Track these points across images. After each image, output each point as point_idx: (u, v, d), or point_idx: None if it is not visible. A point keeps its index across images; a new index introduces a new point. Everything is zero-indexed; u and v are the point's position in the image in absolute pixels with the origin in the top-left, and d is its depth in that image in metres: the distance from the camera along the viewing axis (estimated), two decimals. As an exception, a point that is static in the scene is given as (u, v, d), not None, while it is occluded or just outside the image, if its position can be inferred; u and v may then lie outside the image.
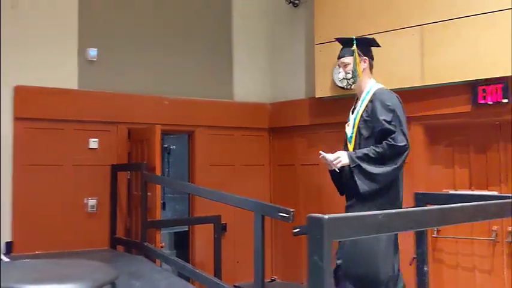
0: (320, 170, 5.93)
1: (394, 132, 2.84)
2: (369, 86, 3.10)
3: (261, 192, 6.33)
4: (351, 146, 3.10)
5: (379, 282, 2.86)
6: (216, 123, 6.27)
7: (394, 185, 2.97)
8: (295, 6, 6.34)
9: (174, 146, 7.80)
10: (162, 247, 5.10)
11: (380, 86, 3.13)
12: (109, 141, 5.56)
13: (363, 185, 2.90)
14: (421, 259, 3.02)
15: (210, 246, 5.43)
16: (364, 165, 2.86)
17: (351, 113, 3.25)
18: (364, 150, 2.92)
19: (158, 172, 5.13)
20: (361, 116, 3.02)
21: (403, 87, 4.78)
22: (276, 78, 6.70)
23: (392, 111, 2.89)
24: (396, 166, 2.85)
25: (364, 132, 3.01)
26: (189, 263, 5.43)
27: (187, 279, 4.57)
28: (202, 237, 5.86)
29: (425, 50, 4.89)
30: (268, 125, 6.65)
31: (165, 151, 7.64)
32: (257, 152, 6.59)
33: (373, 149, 2.88)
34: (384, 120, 2.87)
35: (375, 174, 2.85)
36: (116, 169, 5.49)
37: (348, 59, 3.12)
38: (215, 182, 5.68)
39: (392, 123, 2.87)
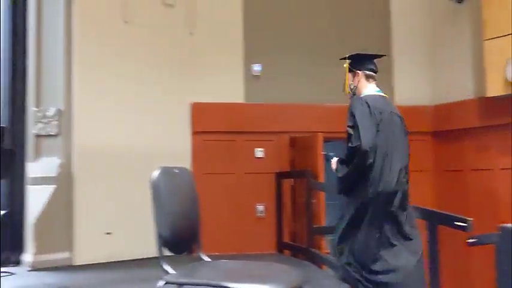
0: (495, 176, 5.49)
1: (351, 135, 3.10)
2: (365, 94, 3.32)
3: (425, 199, 6.03)
4: None
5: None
6: (376, 128, 6.17)
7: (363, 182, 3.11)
8: (459, 2, 5.97)
9: (332, 153, 7.83)
10: (327, 253, 5.18)
11: (366, 94, 3.30)
12: (273, 150, 5.86)
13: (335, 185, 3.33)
14: None
15: (375, 253, 5.35)
16: (337, 168, 3.25)
17: None
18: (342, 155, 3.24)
19: (322, 179, 5.24)
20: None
21: None
22: (439, 78, 6.37)
23: (353, 115, 3.13)
24: (352, 167, 3.10)
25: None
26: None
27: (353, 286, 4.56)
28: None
29: None
30: (430, 128, 6.34)
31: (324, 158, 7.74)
32: (419, 158, 6.31)
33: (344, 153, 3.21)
34: (348, 125, 3.16)
35: (338, 177, 3.23)
36: (280, 177, 5.75)
37: (347, 75, 3.42)
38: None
39: (352, 127, 3.11)
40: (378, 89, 3.37)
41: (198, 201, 2.29)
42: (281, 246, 5.73)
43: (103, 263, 5.01)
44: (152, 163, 5.02)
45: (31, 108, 5.20)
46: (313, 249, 4.96)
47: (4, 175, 4.83)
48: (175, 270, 1.98)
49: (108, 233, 5.16)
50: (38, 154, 5.20)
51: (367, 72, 3.37)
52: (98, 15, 5.31)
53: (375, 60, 3.43)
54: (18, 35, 5.32)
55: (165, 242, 2.01)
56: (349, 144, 3.08)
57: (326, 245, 5.15)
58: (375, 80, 3.38)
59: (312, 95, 6.04)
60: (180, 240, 2.09)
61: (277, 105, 5.88)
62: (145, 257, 5.22)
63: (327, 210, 7.70)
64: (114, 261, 5.05)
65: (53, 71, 5.21)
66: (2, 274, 4.62)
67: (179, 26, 5.70)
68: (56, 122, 5.15)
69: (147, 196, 5.33)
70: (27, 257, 5.01)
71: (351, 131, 3.10)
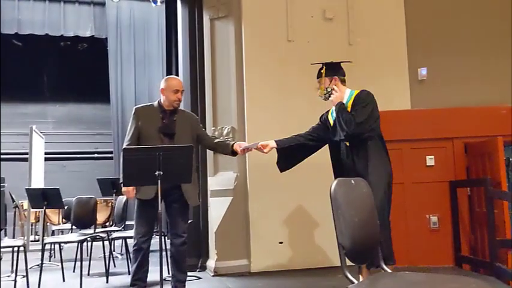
0: None
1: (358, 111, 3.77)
2: (348, 94, 3.92)
3: None
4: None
5: None
6: None
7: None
8: None
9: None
10: None
11: (354, 91, 3.93)
12: (445, 158, 5.52)
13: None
14: None
15: None
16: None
17: (330, 114, 4.04)
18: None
19: (504, 187, 4.79)
20: None
21: None
22: None
23: (371, 100, 3.85)
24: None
25: None
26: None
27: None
28: None
29: None
30: None
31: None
32: None
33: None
34: (362, 105, 3.79)
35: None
36: (455, 185, 5.39)
37: (320, 80, 3.95)
38: None
39: (365, 107, 3.78)
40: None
41: (376, 212, 2.29)
42: (459, 260, 5.35)
43: (279, 271, 5.26)
44: (319, 174, 5.16)
45: (209, 127, 5.75)
46: (498, 264, 4.53)
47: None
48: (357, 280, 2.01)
49: (280, 242, 5.40)
50: (216, 169, 5.71)
51: (342, 77, 3.98)
52: (265, 36, 5.66)
53: None
54: (195, 62, 5.96)
55: (346, 252, 2.05)
56: (356, 119, 3.70)
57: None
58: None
59: (485, 96, 5.59)
60: (360, 250, 2.11)
61: (447, 109, 5.55)
62: (316, 266, 5.35)
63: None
64: (289, 270, 5.26)
65: (226, 92, 5.71)
66: (190, 278, 5.17)
67: (339, 38, 5.78)
68: (231, 139, 5.60)
69: (315, 206, 5.47)
70: (211, 262, 5.50)
71: (360, 109, 3.73)
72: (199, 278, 5.24)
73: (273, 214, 5.41)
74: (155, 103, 4.17)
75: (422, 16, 5.89)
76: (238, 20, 5.72)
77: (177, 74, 6.78)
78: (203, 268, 5.62)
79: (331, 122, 4.04)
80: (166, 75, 10.88)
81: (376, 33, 5.79)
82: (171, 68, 10.44)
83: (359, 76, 5.65)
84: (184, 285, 4.16)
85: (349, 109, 3.85)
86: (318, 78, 4.01)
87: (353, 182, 2.23)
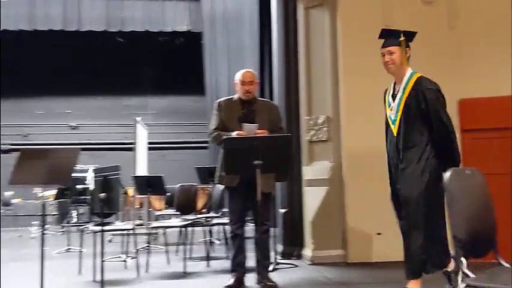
0: None
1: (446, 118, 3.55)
2: (409, 73, 3.66)
3: None
4: (395, 128, 3.71)
5: None
6: None
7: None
8: None
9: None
10: None
11: (415, 73, 3.66)
12: None
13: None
14: None
15: None
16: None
17: (390, 97, 3.78)
18: None
19: None
20: (405, 101, 3.60)
21: None
22: None
23: (439, 92, 3.56)
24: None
25: (409, 115, 3.59)
26: None
27: None
28: None
29: None
30: None
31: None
32: None
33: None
34: (443, 109, 3.55)
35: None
36: None
37: (394, 48, 3.67)
38: None
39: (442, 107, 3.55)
40: None
41: (492, 203, 2.18)
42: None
43: (376, 262, 5.17)
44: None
45: (304, 117, 5.77)
46: None
47: (285, 178, 5.48)
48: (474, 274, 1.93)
49: (378, 234, 5.30)
50: (311, 158, 5.72)
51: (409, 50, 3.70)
52: (360, 24, 5.54)
53: None
54: (290, 51, 5.99)
55: (460, 244, 1.98)
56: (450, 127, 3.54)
57: None
58: None
59: None
60: (476, 243, 2.03)
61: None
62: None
63: None
64: (387, 261, 5.15)
65: (321, 82, 5.68)
66: (287, 266, 5.25)
67: (439, 22, 5.51)
68: (325, 129, 5.58)
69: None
70: (307, 251, 5.54)
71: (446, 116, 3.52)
72: (296, 266, 5.30)
73: (370, 204, 5.31)
74: (235, 96, 4.38)
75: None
76: (334, 7, 5.65)
77: (270, 65, 6.86)
78: (299, 257, 5.68)
79: (387, 105, 3.83)
80: (260, 66, 11.05)
81: (478, 17, 5.44)
82: (264, 58, 10.57)
83: (460, 62, 5.40)
84: (268, 271, 4.27)
85: (407, 91, 3.62)
86: (390, 45, 3.70)
87: (468, 172, 2.14)
